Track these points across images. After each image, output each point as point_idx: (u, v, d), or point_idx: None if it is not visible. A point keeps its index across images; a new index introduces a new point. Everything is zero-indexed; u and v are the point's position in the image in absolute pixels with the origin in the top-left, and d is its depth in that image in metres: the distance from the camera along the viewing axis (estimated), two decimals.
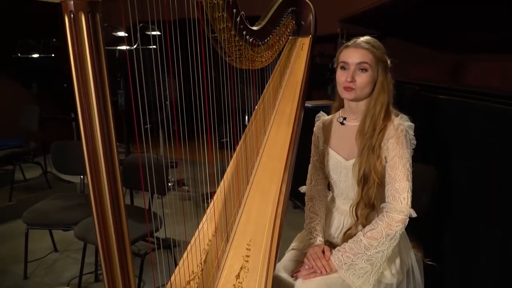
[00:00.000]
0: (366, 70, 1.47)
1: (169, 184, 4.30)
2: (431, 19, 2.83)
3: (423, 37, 3.18)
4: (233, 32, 1.40)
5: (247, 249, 1.34)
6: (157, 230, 2.36)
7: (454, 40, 2.81)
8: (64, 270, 2.85)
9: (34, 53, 4.65)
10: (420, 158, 1.60)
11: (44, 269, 2.88)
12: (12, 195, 3.91)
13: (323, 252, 1.49)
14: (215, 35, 1.35)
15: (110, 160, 0.93)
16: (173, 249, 2.36)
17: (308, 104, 3.42)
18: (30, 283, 2.72)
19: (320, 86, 3.91)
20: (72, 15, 0.85)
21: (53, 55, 4.70)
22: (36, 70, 4.67)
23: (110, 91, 0.92)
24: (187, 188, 4.23)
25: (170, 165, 3.98)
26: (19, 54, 4.65)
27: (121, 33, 3.44)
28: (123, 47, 3.48)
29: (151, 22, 1.07)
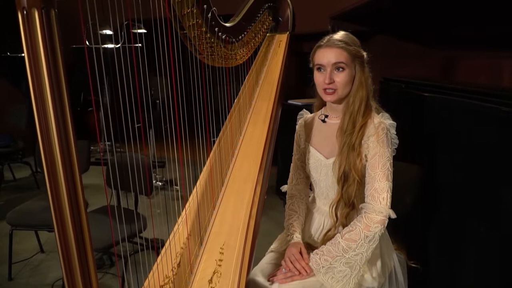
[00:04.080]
0: (343, 69, 1.43)
1: (160, 183, 4.27)
2: (421, 15, 2.80)
3: (414, 34, 3.15)
4: (204, 29, 1.35)
5: (220, 252, 1.31)
6: (140, 231, 2.32)
7: (444, 36, 2.78)
8: (49, 271, 2.81)
9: (23, 52, 4.59)
10: (405, 156, 1.57)
11: (30, 270, 2.84)
12: (1, 195, 3.88)
13: (301, 253, 1.46)
14: (185, 31, 1.31)
15: (68, 161, 0.90)
16: (156, 250, 2.32)
17: (298, 102, 3.39)
18: (15, 284, 2.68)
19: (309, 84, 3.88)
20: (25, 12, 0.82)
21: None
22: (25, 69, 4.62)
23: (69, 89, 0.89)
24: (177, 188, 4.19)
25: (154, 164, 3.96)
26: (8, 53, 4.61)
27: (107, 31, 3.40)
28: (106, 46, 3.44)
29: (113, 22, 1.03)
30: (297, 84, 4.97)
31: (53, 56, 0.86)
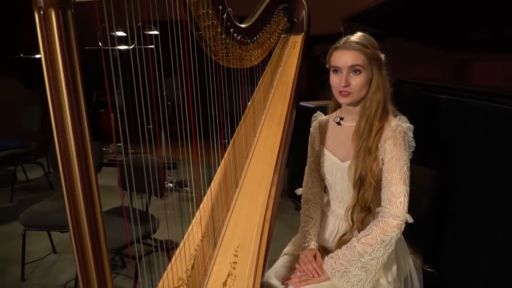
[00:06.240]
0: (359, 71, 1.41)
1: (170, 185, 4.26)
2: (434, 17, 2.77)
3: (427, 36, 3.11)
4: (219, 30, 1.34)
5: (234, 255, 1.29)
6: (149, 233, 2.32)
7: (457, 38, 2.74)
8: (61, 272, 2.82)
9: (36, 54, 4.64)
10: (420, 159, 1.54)
11: (42, 270, 2.86)
12: (14, 195, 3.91)
13: (315, 257, 1.44)
14: (200, 32, 1.30)
15: (84, 162, 0.90)
16: (169, 251, 2.32)
17: (310, 104, 3.37)
18: (27, 285, 2.70)
19: (325, 86, 3.85)
20: (41, 12, 0.82)
21: None
22: (39, 71, 4.68)
23: (84, 89, 0.88)
24: (189, 189, 4.19)
25: (168, 166, 3.95)
26: (21, 55, 4.65)
27: (120, 33, 3.41)
28: (121, 47, 3.45)
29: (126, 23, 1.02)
30: (309, 86, 4.94)
31: (69, 56, 0.85)
